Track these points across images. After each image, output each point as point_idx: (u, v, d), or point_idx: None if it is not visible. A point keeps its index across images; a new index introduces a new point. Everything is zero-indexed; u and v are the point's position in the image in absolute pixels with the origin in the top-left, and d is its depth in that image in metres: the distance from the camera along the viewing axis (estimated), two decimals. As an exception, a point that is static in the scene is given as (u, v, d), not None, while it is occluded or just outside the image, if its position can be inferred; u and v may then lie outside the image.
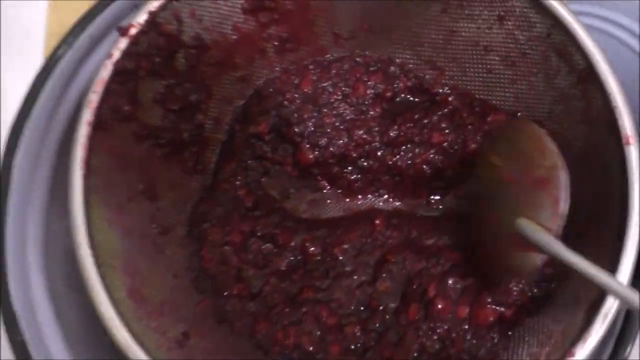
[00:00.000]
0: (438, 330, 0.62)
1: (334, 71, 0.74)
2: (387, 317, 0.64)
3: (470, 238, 0.64)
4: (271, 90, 0.73)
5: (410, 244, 0.66)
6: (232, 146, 0.73)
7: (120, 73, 0.57)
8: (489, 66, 0.69)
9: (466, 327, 0.61)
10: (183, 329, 0.60)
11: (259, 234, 0.70)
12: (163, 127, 0.64)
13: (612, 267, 0.49)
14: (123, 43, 0.57)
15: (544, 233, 0.46)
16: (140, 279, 0.58)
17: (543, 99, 0.65)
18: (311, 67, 0.74)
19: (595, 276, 0.44)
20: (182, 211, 0.68)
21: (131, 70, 0.58)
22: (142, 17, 0.57)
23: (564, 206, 0.46)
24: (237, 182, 0.72)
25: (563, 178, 0.46)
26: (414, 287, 0.63)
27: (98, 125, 0.56)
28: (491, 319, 0.59)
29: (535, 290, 0.60)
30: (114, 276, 0.54)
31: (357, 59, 0.74)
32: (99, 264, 0.53)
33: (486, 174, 0.59)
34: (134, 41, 0.57)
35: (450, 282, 0.63)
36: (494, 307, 0.60)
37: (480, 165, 0.62)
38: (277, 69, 0.74)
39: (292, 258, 0.70)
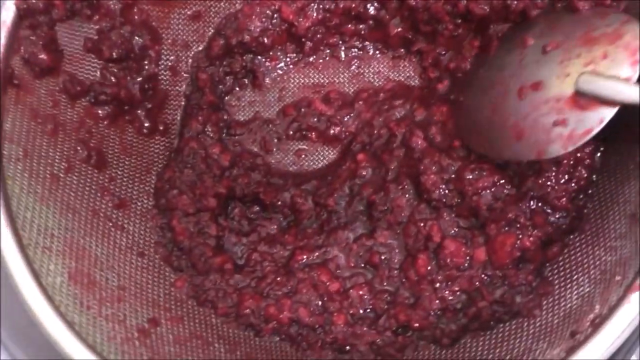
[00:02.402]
0: (458, 281, 0.50)
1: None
2: (395, 272, 0.53)
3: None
4: (235, 26, 0.62)
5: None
6: (199, 98, 0.62)
7: (27, 15, 0.46)
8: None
9: (490, 272, 0.49)
10: (150, 314, 0.49)
11: (239, 195, 0.59)
12: (102, 81, 0.54)
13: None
14: (24, -24, 0.46)
15: (621, 81, 0.43)
16: (90, 261, 0.48)
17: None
18: (277, -7, 0.62)
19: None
20: (144, 180, 0.58)
21: (42, 11, 0.47)
22: (43, -59, 0.46)
23: None
24: (209, 139, 0.61)
25: (638, 27, 0.45)
26: (414, 233, 0.52)
27: (8, 82, 0.46)
28: (509, 246, 0.48)
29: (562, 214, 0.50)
30: (47, 260, 0.44)
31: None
32: (23, 246, 0.43)
33: (512, 54, 0.54)
34: (39, -27, 0.47)
35: (452, 217, 0.53)
36: (514, 232, 0.50)
37: (503, 48, 0.56)
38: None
39: (281, 218, 0.59)
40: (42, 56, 0.48)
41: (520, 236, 0.49)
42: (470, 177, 0.53)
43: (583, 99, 0.45)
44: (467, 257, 0.50)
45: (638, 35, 0.44)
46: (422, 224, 0.54)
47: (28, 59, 0.47)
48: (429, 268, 0.51)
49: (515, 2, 0.52)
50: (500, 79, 0.53)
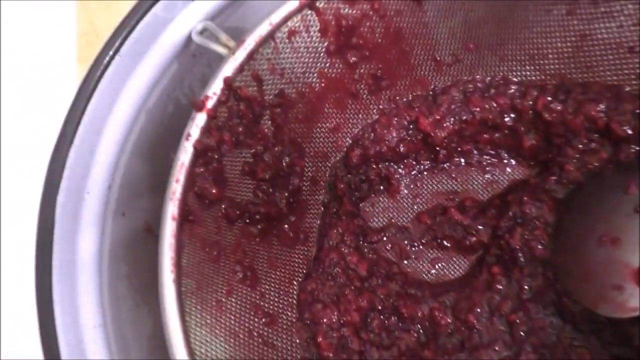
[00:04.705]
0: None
1: (444, 106, 0.62)
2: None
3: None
4: (372, 137, 0.63)
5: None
6: (337, 207, 0.63)
7: (201, 154, 0.49)
8: (637, 71, 0.55)
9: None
10: None
11: (379, 307, 0.59)
12: (256, 201, 0.56)
13: None
14: (201, 119, 0.49)
15: None
16: (252, 388, 0.50)
17: None
18: (416, 104, 0.63)
19: None
20: (288, 292, 0.59)
21: (214, 148, 0.50)
22: (217, 86, 0.49)
23: None
24: (345, 249, 0.62)
25: None
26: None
27: (184, 218, 0.48)
28: None
29: None
30: (221, 395, 0.46)
31: (467, 87, 0.62)
32: (203, 384, 0.44)
33: (613, 193, 0.52)
34: (212, 115, 0.49)
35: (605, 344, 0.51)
36: None
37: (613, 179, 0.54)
38: (374, 111, 0.63)
39: (421, 331, 0.59)
40: (213, 190, 0.50)
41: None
42: None
43: None
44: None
45: None
46: (570, 351, 0.52)
47: (200, 193, 0.50)
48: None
49: None
50: (593, 212, 0.52)
